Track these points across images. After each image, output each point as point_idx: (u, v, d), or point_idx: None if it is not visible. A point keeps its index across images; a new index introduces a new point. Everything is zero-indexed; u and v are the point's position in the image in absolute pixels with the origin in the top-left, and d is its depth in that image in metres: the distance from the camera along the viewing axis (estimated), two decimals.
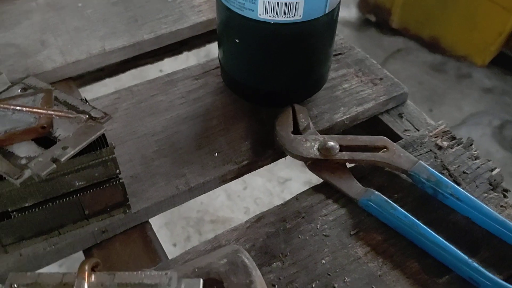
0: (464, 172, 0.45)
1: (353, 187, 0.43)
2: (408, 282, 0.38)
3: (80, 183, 0.37)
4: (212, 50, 0.65)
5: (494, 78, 2.05)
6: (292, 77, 0.48)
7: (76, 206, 0.38)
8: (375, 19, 2.39)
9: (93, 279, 0.30)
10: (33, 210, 0.37)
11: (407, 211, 0.40)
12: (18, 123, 0.36)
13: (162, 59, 0.68)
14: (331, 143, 0.45)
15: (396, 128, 0.51)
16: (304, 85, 0.50)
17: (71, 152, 0.33)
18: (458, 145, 0.47)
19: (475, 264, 0.37)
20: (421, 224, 0.39)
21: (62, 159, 0.33)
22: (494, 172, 0.45)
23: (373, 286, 0.38)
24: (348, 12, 2.54)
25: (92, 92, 0.64)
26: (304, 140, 0.46)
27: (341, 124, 0.50)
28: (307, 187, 0.44)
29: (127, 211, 0.41)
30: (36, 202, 0.37)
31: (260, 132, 0.48)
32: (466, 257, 0.38)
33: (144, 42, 0.58)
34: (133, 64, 0.66)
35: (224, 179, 0.46)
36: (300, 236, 0.41)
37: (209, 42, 0.66)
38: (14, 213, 0.36)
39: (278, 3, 0.40)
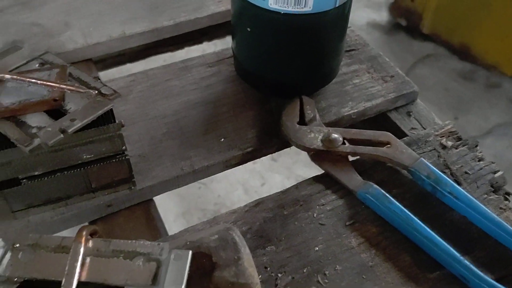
0: (466, 173, 0.45)
1: (353, 180, 0.44)
2: (399, 274, 0.38)
3: (87, 156, 0.39)
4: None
5: None
6: (301, 69, 0.49)
7: (83, 178, 0.40)
8: (405, 23, 2.37)
9: (90, 244, 0.31)
10: (42, 179, 0.39)
11: (405, 207, 0.41)
12: (33, 95, 0.37)
13: (182, 47, 0.70)
14: (335, 135, 0.46)
15: (403, 126, 0.51)
16: (313, 78, 0.50)
17: (78, 124, 0.35)
18: (463, 145, 0.47)
19: (467, 262, 0.37)
20: (416, 220, 0.40)
21: (69, 130, 0.35)
22: (497, 175, 0.45)
23: (363, 276, 0.38)
24: (379, 15, 2.52)
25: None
26: (308, 131, 0.47)
27: (348, 118, 0.51)
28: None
29: (132, 187, 0.43)
30: (45, 171, 0.38)
31: (267, 121, 0.49)
32: (458, 255, 0.38)
33: (163, 29, 0.60)
34: (154, 51, 0.68)
35: (228, 164, 0.47)
36: (296, 223, 0.42)
37: (229, 33, 0.68)
38: (24, 180, 0.38)
39: None
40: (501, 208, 0.43)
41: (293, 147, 0.47)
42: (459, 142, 0.48)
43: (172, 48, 0.69)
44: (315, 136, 0.46)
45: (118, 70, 0.67)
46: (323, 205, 0.43)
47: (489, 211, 0.40)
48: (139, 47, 0.63)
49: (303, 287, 0.37)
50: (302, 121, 0.48)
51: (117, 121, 0.38)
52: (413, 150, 0.46)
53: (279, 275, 0.38)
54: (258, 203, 0.43)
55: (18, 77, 0.39)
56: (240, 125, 0.49)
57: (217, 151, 0.47)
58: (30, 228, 0.41)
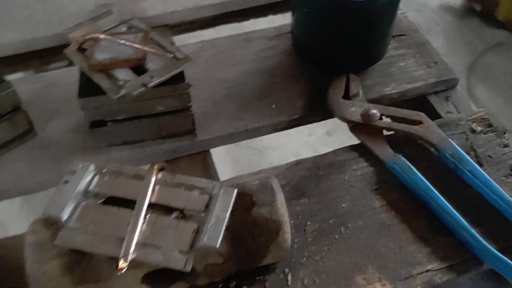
0: (489, 156, 0.50)
1: (384, 151, 0.50)
2: (412, 235, 0.44)
3: (160, 108, 0.47)
4: None
5: None
6: (350, 49, 0.54)
7: (155, 126, 0.49)
8: (480, 8, 2.30)
9: (159, 176, 0.40)
10: (123, 123, 0.47)
11: (427, 179, 0.46)
12: (121, 53, 0.46)
13: (248, 19, 0.76)
14: (373, 111, 0.51)
15: (440, 109, 0.56)
16: (361, 58, 0.56)
17: (156, 80, 0.43)
18: (492, 132, 0.52)
19: (474, 231, 0.43)
20: (435, 190, 0.45)
21: (149, 85, 0.43)
22: None
23: (380, 232, 0.45)
24: None
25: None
26: (351, 105, 0.53)
27: (389, 97, 0.56)
28: None
29: (194, 138, 0.51)
30: (126, 117, 0.47)
31: (315, 93, 0.56)
32: (467, 224, 0.43)
33: (232, 2, 0.67)
34: (223, 21, 0.75)
35: (276, 128, 0.54)
36: (329, 182, 0.48)
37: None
38: (109, 123, 0.47)
39: None
40: None
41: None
42: (488, 129, 0.52)
43: (240, 19, 0.76)
44: (356, 110, 0.52)
45: (190, 35, 0.75)
46: (355, 170, 0.49)
47: (503, 191, 0.45)
48: (209, 16, 0.70)
49: (327, 234, 0.44)
50: (347, 96, 0.54)
51: (186, 82, 0.46)
52: (444, 131, 0.51)
53: (308, 222, 0.45)
54: (298, 162, 0.50)
55: (110, 37, 0.47)
56: (290, 94, 0.56)
57: (268, 115, 0.54)
58: (112, 162, 0.50)
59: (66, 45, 0.61)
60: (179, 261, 0.35)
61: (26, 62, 0.63)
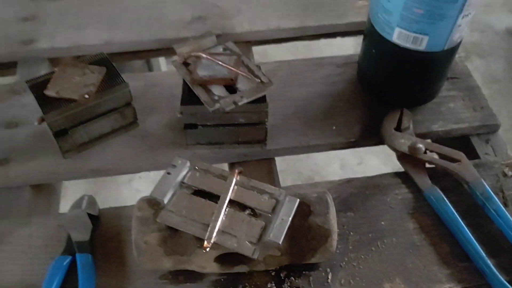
0: None
1: (423, 182, 0.58)
2: (436, 257, 0.53)
3: (241, 120, 0.57)
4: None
5: None
6: (407, 88, 0.63)
7: (234, 133, 0.59)
8: None
9: (238, 178, 0.50)
10: (211, 128, 0.58)
11: (457, 211, 0.55)
12: (218, 72, 0.56)
13: (318, 38, 0.85)
14: (420, 145, 0.60)
15: (479, 150, 0.64)
16: (417, 96, 0.64)
17: (245, 100, 0.53)
18: None
19: (489, 262, 0.51)
20: (461, 222, 0.53)
21: (239, 103, 0.53)
22: None
23: (410, 251, 0.53)
24: None
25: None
26: (401, 137, 0.61)
27: (435, 133, 0.64)
28: None
29: (264, 147, 0.61)
30: (214, 124, 0.58)
31: (371, 121, 0.64)
32: (484, 255, 0.51)
33: (308, 28, 0.76)
34: (296, 38, 0.84)
35: (334, 147, 0.63)
36: (373, 201, 0.57)
37: (358, 34, 0.81)
38: (200, 126, 0.58)
39: (408, 35, 0.55)
40: None
41: None
42: None
43: (310, 38, 0.85)
44: (404, 142, 0.61)
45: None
46: (396, 194, 0.58)
47: None
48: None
49: (365, 245, 0.53)
50: (398, 128, 0.62)
51: (266, 102, 0.56)
52: (479, 171, 0.59)
53: (351, 233, 0.54)
54: (349, 180, 0.59)
55: (210, 57, 0.57)
56: (350, 119, 0.65)
57: (328, 135, 0.63)
58: (195, 157, 0.61)
59: (165, 49, 0.72)
60: (249, 249, 0.45)
61: (130, 59, 0.75)
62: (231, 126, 0.58)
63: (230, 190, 0.49)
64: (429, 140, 0.64)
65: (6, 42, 0.72)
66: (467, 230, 0.53)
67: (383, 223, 0.56)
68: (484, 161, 0.61)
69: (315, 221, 0.48)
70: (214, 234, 0.46)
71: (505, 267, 0.52)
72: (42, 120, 0.56)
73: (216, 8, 0.77)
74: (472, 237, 0.53)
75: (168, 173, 0.50)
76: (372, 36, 0.60)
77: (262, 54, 1.48)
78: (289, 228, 0.47)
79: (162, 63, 1.29)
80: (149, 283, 0.50)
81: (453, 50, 0.58)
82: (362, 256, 0.53)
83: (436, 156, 0.60)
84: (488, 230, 0.55)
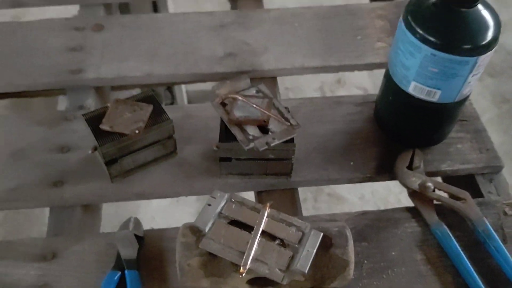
0: None
1: (431, 217, 0.65)
2: (441, 286, 0.60)
3: (271, 156, 0.64)
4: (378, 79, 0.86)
5: None
6: (420, 131, 0.70)
7: (263, 166, 0.66)
8: None
9: (269, 211, 0.57)
10: (243, 161, 0.65)
11: (460, 246, 0.61)
12: (252, 114, 0.63)
13: (337, 71, 0.92)
14: (429, 184, 0.66)
15: (483, 189, 0.70)
16: (428, 138, 0.71)
17: (276, 142, 0.61)
18: None
19: None
20: (464, 257, 0.60)
21: (272, 144, 0.60)
22: None
23: (417, 279, 0.60)
24: None
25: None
26: (412, 175, 0.68)
27: (443, 172, 0.71)
28: None
29: (288, 178, 0.68)
30: (246, 158, 0.65)
31: (386, 159, 0.71)
32: (483, 286, 0.58)
33: (330, 67, 0.83)
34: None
35: (351, 181, 0.70)
36: (385, 233, 0.64)
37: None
38: (233, 159, 0.65)
39: (423, 89, 0.62)
40: None
41: None
42: None
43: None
44: (415, 180, 0.67)
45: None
46: (406, 227, 0.65)
47: None
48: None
49: (377, 273, 0.60)
50: (410, 167, 0.69)
51: (294, 142, 0.63)
52: (481, 209, 0.65)
53: (365, 261, 0.61)
54: (365, 213, 0.66)
55: (244, 99, 0.65)
56: (367, 156, 0.72)
57: (346, 170, 0.70)
58: (227, 185, 0.68)
59: (197, 81, 0.80)
60: (278, 276, 0.52)
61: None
62: (261, 160, 0.65)
63: (263, 222, 0.56)
64: (438, 178, 0.71)
65: (56, 71, 0.79)
66: (468, 263, 0.60)
67: (393, 253, 0.62)
68: (487, 199, 0.68)
69: (335, 252, 0.55)
70: (249, 261, 0.53)
71: None
72: (95, 149, 0.63)
73: (246, 46, 0.85)
74: (473, 270, 0.59)
75: (209, 204, 0.57)
76: (389, 84, 0.67)
77: None
78: (313, 257, 0.54)
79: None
80: None
81: (463, 101, 0.65)
82: (375, 283, 0.60)
83: (444, 194, 0.67)
84: (487, 264, 0.61)
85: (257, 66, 0.82)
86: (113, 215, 1.00)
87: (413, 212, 0.66)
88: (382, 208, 0.68)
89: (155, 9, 1.33)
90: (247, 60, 0.82)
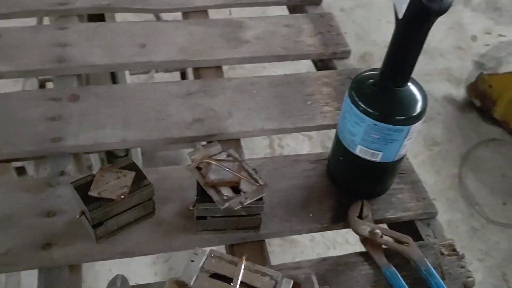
0: (450, 273, 0.76)
1: (381, 260, 0.76)
2: None
3: (242, 213, 0.74)
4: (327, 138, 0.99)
5: None
6: (366, 185, 0.81)
7: (236, 222, 0.75)
8: (479, 104, 2.60)
9: (245, 263, 0.66)
10: (217, 218, 0.74)
11: (406, 283, 0.72)
12: (225, 176, 0.73)
13: (292, 132, 1.03)
14: (377, 231, 0.77)
15: (422, 232, 0.82)
16: (373, 191, 0.83)
17: (249, 201, 0.70)
18: (454, 256, 0.78)
19: None
20: None
21: (245, 203, 0.69)
22: (469, 279, 0.75)
23: None
24: (457, 91, 2.76)
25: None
26: (362, 223, 0.79)
27: (388, 220, 0.82)
28: None
29: (257, 232, 0.77)
30: (220, 215, 0.74)
31: (339, 209, 0.82)
32: None
33: (286, 129, 0.94)
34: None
35: (311, 231, 0.80)
36: (343, 276, 0.74)
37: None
38: (208, 217, 0.74)
39: (367, 151, 0.74)
40: None
41: None
42: (452, 253, 0.78)
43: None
44: (365, 228, 0.78)
45: None
46: (361, 270, 0.75)
47: None
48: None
49: None
50: (360, 216, 0.80)
51: (263, 200, 0.72)
52: (422, 251, 0.77)
53: None
54: (325, 259, 0.76)
55: (218, 164, 0.74)
56: (323, 208, 0.82)
57: (307, 221, 0.80)
58: (203, 241, 0.76)
59: (169, 145, 0.88)
60: None
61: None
62: (233, 217, 0.74)
63: (240, 274, 0.64)
64: (384, 225, 0.83)
65: (38, 139, 0.85)
66: None
67: None
68: (426, 242, 0.79)
69: None
70: None
71: None
72: (82, 213, 0.70)
73: (212, 111, 0.95)
74: None
75: (192, 261, 0.65)
76: (339, 147, 0.79)
77: None
78: None
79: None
80: None
81: (401, 159, 0.78)
82: None
83: (390, 239, 0.78)
84: None
85: (222, 129, 0.92)
86: None
87: (365, 256, 0.77)
88: (331, 248, 0.78)
89: (114, 80, 1.42)
90: (213, 125, 0.92)
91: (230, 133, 0.92)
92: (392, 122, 0.70)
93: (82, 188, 0.70)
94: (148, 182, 0.73)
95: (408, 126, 0.70)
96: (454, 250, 0.79)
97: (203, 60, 1.05)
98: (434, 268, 0.74)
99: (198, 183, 0.73)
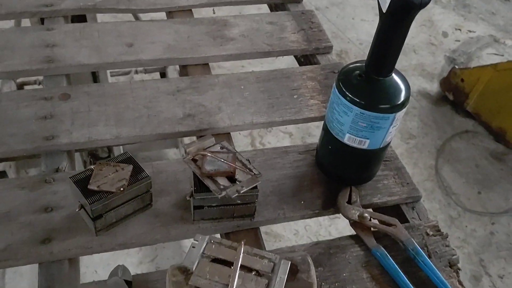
0: (435, 252, 0.80)
1: (371, 242, 0.79)
2: None
3: (238, 201, 0.76)
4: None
5: None
6: (354, 171, 0.85)
7: (231, 211, 0.78)
8: (452, 98, 2.69)
9: (244, 248, 0.68)
10: (214, 207, 0.76)
11: (396, 263, 0.76)
12: (220, 167, 0.75)
13: (281, 125, 1.06)
14: (366, 215, 0.81)
15: (408, 215, 0.87)
16: (360, 177, 0.87)
17: (245, 189, 0.73)
18: (439, 235, 0.82)
19: None
20: (399, 270, 0.75)
21: (241, 192, 0.72)
22: (454, 257, 0.80)
23: None
24: (430, 86, 2.85)
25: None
26: (351, 208, 0.83)
27: (375, 205, 0.86)
28: (347, 227, 0.81)
29: (252, 219, 0.80)
30: (217, 204, 0.76)
31: (329, 196, 0.86)
32: None
33: (274, 122, 0.98)
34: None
35: (303, 217, 0.83)
36: (335, 258, 0.78)
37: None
38: (205, 207, 0.76)
39: (355, 139, 0.78)
40: (450, 276, 0.77)
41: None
42: (437, 233, 0.83)
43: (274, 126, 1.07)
44: (354, 212, 0.82)
45: None
46: (352, 252, 0.79)
47: (441, 276, 0.75)
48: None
49: None
50: (349, 201, 0.84)
51: (257, 188, 0.75)
52: (409, 232, 0.81)
53: (322, 283, 0.74)
54: (317, 243, 0.79)
55: (212, 155, 0.77)
56: (314, 195, 0.86)
57: (299, 208, 0.84)
58: (200, 230, 0.78)
59: (163, 139, 0.90)
60: None
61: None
62: (229, 206, 0.77)
63: (240, 258, 0.67)
64: (371, 210, 0.87)
65: (31, 138, 0.87)
66: (404, 277, 0.75)
67: (344, 274, 0.76)
68: (412, 224, 0.84)
69: (301, 276, 0.68)
70: None
71: None
72: (81, 207, 0.72)
73: (202, 107, 0.97)
74: (408, 282, 0.74)
75: (193, 247, 0.67)
76: (328, 136, 0.83)
77: None
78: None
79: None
80: None
81: (386, 147, 0.82)
82: None
83: (378, 222, 0.82)
84: (419, 276, 0.76)
85: (213, 124, 0.94)
86: None
87: (355, 239, 0.81)
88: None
89: (95, 81, 1.43)
90: (204, 120, 0.95)
91: (220, 127, 0.94)
92: (378, 110, 0.73)
93: (81, 182, 0.72)
94: (146, 174, 0.75)
95: (393, 114, 0.74)
96: (439, 230, 0.83)
97: (190, 57, 1.07)
98: (421, 248, 0.78)
99: (194, 174, 0.76)
